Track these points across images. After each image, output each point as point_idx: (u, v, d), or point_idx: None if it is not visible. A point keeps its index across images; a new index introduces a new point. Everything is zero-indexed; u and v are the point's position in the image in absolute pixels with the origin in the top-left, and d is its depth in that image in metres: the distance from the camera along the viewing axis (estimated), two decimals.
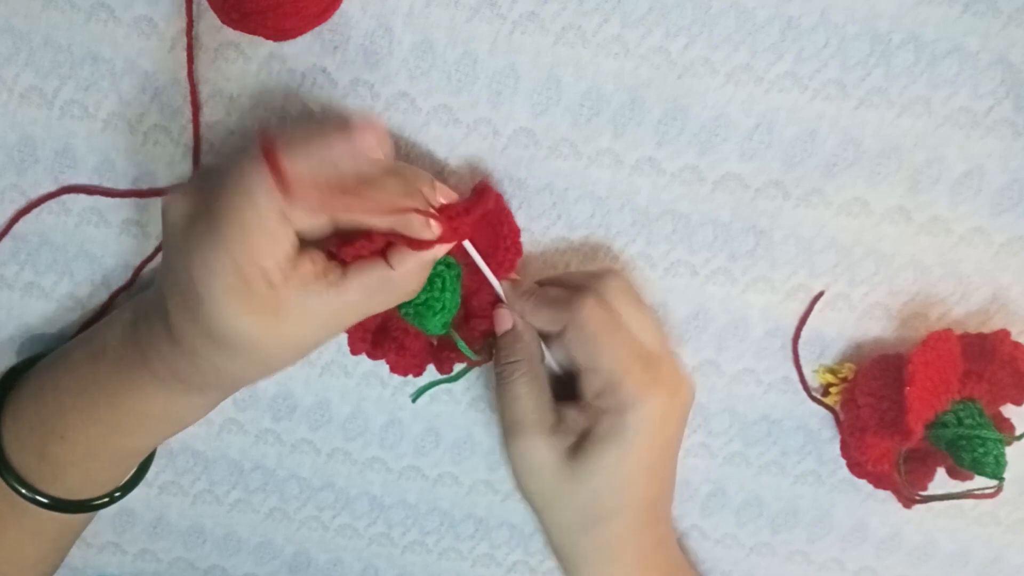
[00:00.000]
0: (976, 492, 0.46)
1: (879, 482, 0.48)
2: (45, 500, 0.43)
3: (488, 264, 0.44)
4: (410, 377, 0.48)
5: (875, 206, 0.47)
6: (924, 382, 0.44)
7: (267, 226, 0.37)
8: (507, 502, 0.52)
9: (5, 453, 0.43)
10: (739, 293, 0.48)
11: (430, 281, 0.43)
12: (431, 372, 0.47)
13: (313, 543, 0.53)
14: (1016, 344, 0.46)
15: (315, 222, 0.38)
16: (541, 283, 0.46)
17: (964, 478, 0.48)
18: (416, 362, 0.47)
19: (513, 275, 0.46)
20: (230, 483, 0.52)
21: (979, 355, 0.46)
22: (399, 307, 0.44)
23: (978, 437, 0.44)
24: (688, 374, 0.47)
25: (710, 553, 0.53)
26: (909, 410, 0.44)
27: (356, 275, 0.39)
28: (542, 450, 0.43)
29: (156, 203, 0.47)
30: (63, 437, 0.43)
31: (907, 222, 0.47)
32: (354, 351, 0.46)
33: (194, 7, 0.43)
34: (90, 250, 0.48)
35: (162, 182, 0.47)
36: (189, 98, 0.45)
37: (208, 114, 0.45)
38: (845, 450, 0.48)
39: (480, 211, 0.43)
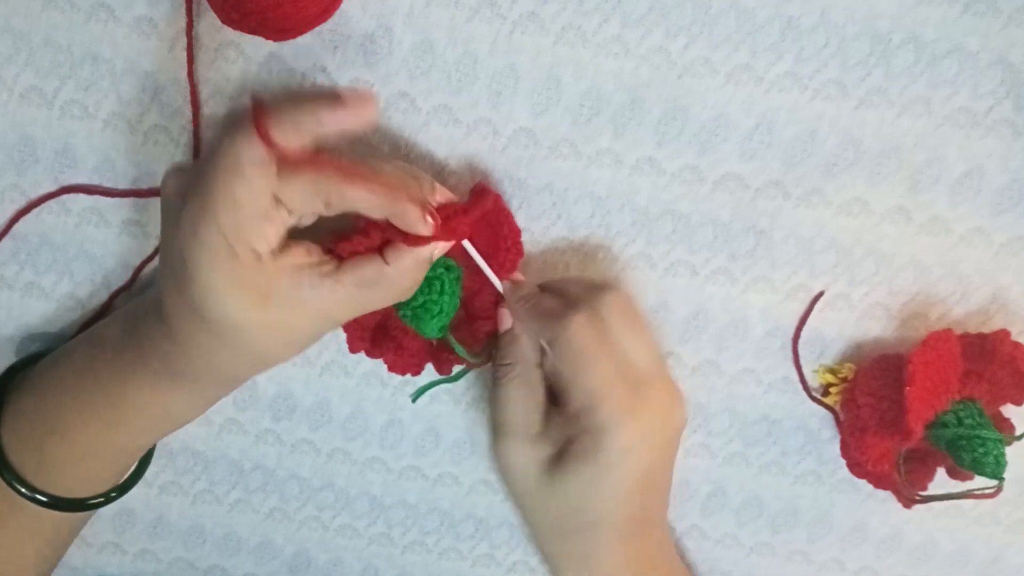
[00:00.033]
0: (976, 492, 0.46)
1: (879, 482, 0.48)
2: (43, 499, 0.43)
3: (490, 265, 0.44)
4: (410, 377, 0.48)
5: (875, 206, 0.47)
6: (924, 382, 0.44)
7: (255, 195, 0.36)
8: (507, 502, 0.52)
9: (4, 451, 0.43)
10: (739, 293, 0.48)
11: (428, 284, 0.43)
12: (431, 372, 0.47)
13: (313, 543, 0.53)
14: (1016, 344, 0.46)
15: (307, 199, 0.38)
16: (543, 287, 0.46)
17: (964, 478, 0.48)
18: (414, 361, 0.47)
19: (517, 274, 0.46)
20: (230, 483, 0.52)
21: (979, 355, 0.46)
22: (397, 309, 0.44)
23: (978, 437, 0.44)
24: (683, 398, 0.45)
25: (710, 553, 0.53)
26: (909, 410, 0.44)
27: (350, 268, 0.39)
28: (524, 456, 0.43)
29: (156, 203, 0.47)
30: (61, 434, 0.43)
31: (907, 222, 0.47)
32: (353, 349, 0.46)
33: (194, 7, 0.43)
34: (90, 250, 0.48)
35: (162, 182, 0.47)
36: (189, 98, 0.45)
37: (208, 114, 0.45)
38: (845, 450, 0.48)
39: (479, 211, 0.43)
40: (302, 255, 0.39)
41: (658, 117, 0.45)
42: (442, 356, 0.47)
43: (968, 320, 0.48)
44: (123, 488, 0.47)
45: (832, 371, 0.49)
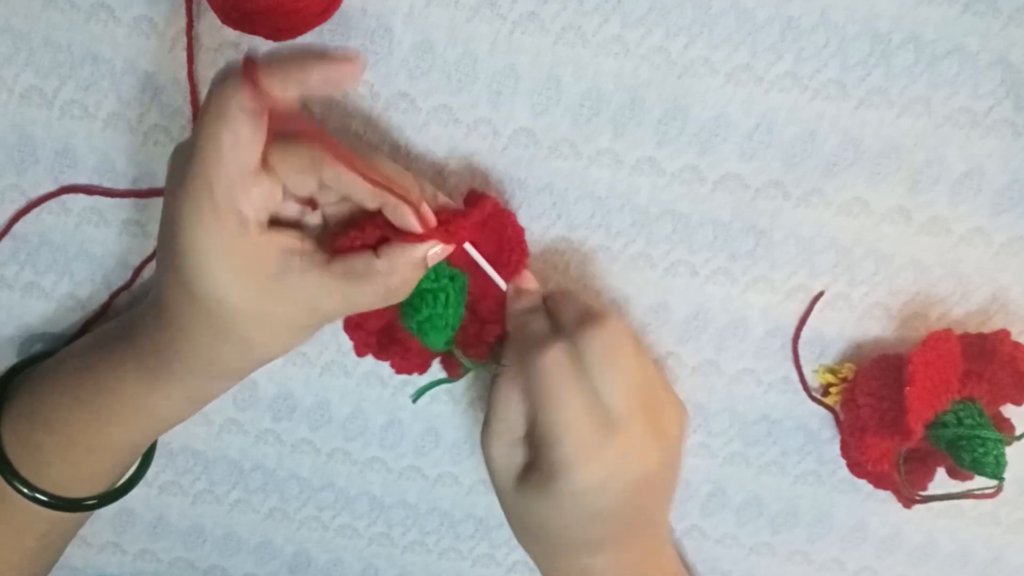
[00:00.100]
0: (976, 492, 0.45)
1: (879, 482, 0.48)
2: (44, 498, 0.43)
3: (496, 267, 0.44)
4: (410, 377, 0.48)
5: (875, 206, 0.47)
6: (924, 382, 0.44)
7: (241, 144, 0.36)
8: None
9: (4, 450, 0.43)
10: (739, 293, 0.48)
11: (434, 296, 0.42)
12: (433, 371, 0.47)
13: (313, 543, 0.53)
14: (1016, 344, 0.46)
15: (300, 170, 0.38)
16: (547, 298, 0.45)
17: (964, 478, 0.48)
18: (420, 361, 0.46)
19: (528, 276, 0.45)
20: (230, 483, 0.52)
21: (979, 355, 0.46)
22: (402, 321, 0.44)
23: (978, 437, 0.44)
24: (658, 444, 0.42)
25: (710, 553, 0.53)
26: (909, 410, 0.44)
27: (341, 260, 0.40)
28: (503, 456, 0.43)
29: (156, 203, 0.47)
30: (55, 429, 0.43)
31: (907, 222, 0.47)
32: (359, 353, 0.46)
33: (194, 7, 0.43)
34: (90, 250, 0.48)
35: (162, 182, 0.46)
36: (189, 98, 0.45)
37: None
38: (845, 450, 0.48)
39: (478, 215, 0.43)
40: (294, 239, 0.39)
41: (658, 117, 0.45)
42: (451, 359, 0.46)
43: (968, 320, 0.48)
44: (117, 492, 0.47)
45: (832, 371, 0.49)
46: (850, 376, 0.48)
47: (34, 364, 0.47)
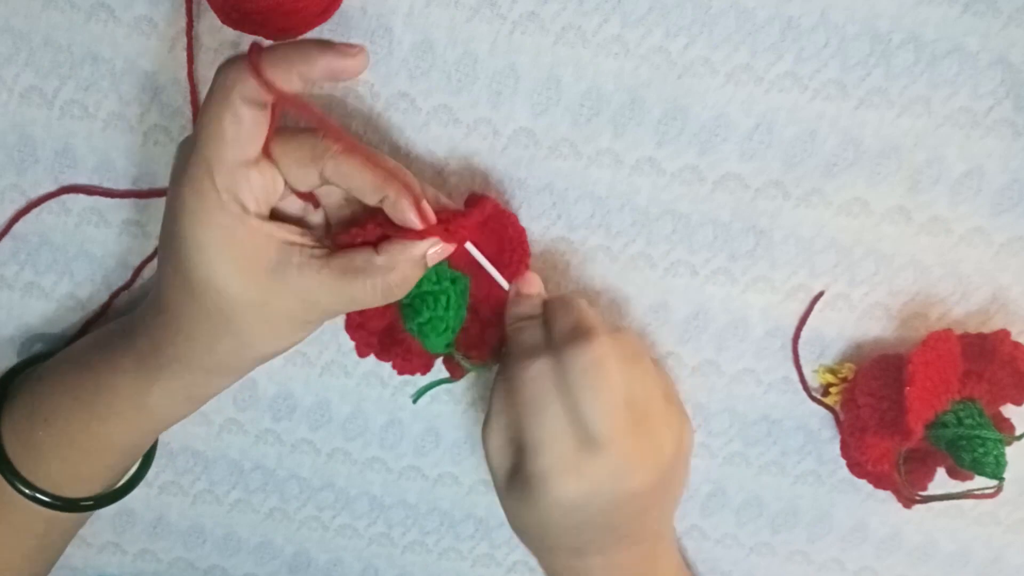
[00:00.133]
0: (976, 492, 0.46)
1: (879, 482, 0.48)
2: (44, 498, 0.43)
3: (498, 267, 0.44)
4: (411, 376, 0.48)
5: (875, 206, 0.47)
6: (924, 382, 0.44)
7: (243, 130, 0.37)
8: None
9: (4, 449, 0.43)
10: (739, 293, 0.48)
11: (435, 298, 0.42)
12: (434, 372, 0.47)
13: (313, 543, 0.53)
14: (1016, 344, 0.46)
15: (301, 159, 0.38)
16: (547, 304, 0.44)
17: (964, 478, 0.48)
18: (422, 362, 0.46)
19: (533, 277, 0.45)
20: (230, 483, 0.52)
21: (979, 355, 0.46)
22: (403, 323, 0.44)
23: (978, 437, 0.44)
24: (648, 463, 0.41)
25: (710, 553, 0.53)
26: (909, 410, 0.44)
27: (341, 255, 0.40)
28: (499, 451, 0.43)
29: (156, 203, 0.47)
30: (47, 420, 0.43)
31: (907, 222, 0.47)
32: (360, 354, 0.46)
33: (194, 7, 0.43)
34: (90, 250, 0.48)
35: (162, 182, 0.46)
36: (189, 98, 0.45)
37: None
38: (845, 450, 0.48)
39: (478, 216, 0.43)
40: (295, 233, 0.39)
41: (658, 117, 0.45)
42: (453, 361, 0.46)
43: (968, 320, 0.48)
44: (117, 493, 0.47)
45: (832, 371, 0.49)
46: (850, 376, 0.48)
47: (34, 364, 0.47)
